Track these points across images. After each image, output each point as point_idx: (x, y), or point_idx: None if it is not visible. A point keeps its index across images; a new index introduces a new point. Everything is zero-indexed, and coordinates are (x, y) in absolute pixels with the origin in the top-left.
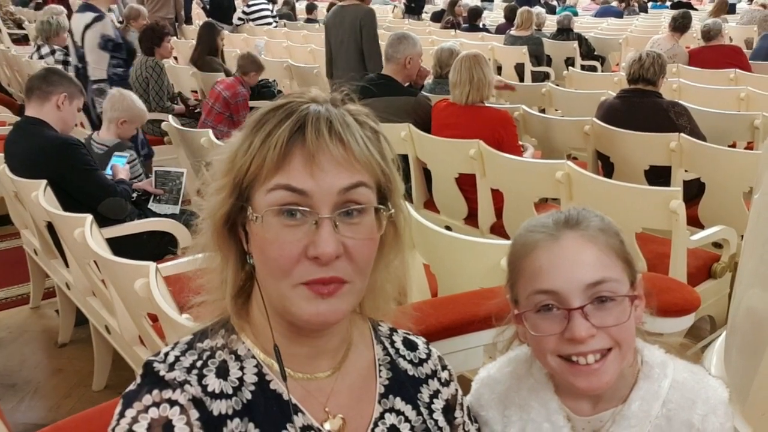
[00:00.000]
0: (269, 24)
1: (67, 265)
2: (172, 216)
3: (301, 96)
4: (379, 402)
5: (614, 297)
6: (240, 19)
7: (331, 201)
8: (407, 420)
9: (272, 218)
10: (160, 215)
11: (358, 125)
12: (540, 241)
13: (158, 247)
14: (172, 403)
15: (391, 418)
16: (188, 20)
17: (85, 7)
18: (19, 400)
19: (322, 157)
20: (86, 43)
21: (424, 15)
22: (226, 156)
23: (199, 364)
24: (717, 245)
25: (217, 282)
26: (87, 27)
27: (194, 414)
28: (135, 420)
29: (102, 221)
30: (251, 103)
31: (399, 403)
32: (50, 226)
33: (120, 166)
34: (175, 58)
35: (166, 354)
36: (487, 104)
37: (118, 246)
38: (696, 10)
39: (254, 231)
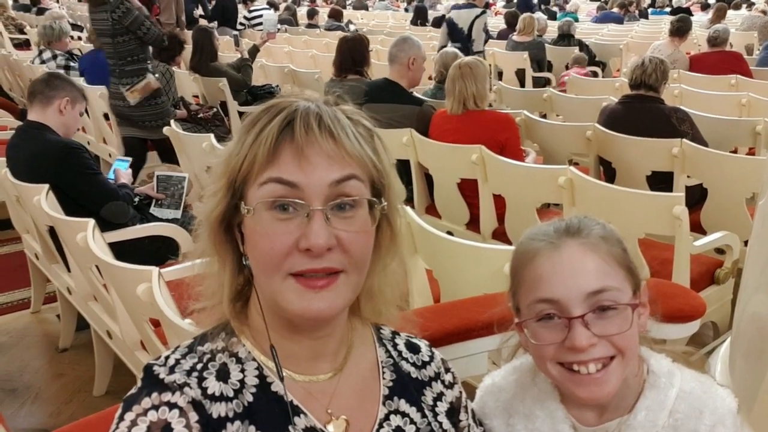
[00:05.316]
0: None
1: (68, 270)
2: (174, 221)
3: (292, 95)
4: (384, 403)
5: (615, 306)
6: (241, 24)
7: (322, 194)
8: (412, 422)
9: (264, 212)
10: (161, 220)
11: (350, 122)
12: (541, 249)
13: (160, 251)
14: (171, 406)
15: (396, 420)
16: (189, 25)
17: (469, 6)
18: (19, 406)
19: (311, 150)
20: (474, 28)
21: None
22: (223, 159)
23: (199, 367)
24: (720, 251)
25: (216, 287)
26: (476, 17)
27: (193, 417)
28: (134, 423)
29: (104, 226)
30: (249, 108)
31: (404, 405)
32: (52, 231)
33: (122, 171)
34: None
35: (167, 357)
36: (487, 108)
37: (120, 250)
38: (693, 15)
39: (247, 226)
